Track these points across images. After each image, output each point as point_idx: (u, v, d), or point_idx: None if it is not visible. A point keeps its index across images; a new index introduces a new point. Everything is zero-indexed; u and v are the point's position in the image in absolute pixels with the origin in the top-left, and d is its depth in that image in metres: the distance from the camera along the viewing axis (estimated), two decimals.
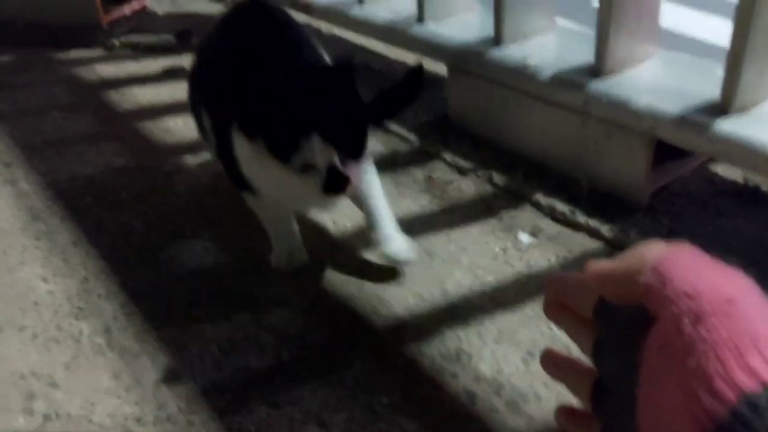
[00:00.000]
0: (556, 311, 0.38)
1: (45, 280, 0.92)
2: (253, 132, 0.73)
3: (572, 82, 0.96)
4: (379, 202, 0.88)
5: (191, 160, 1.19)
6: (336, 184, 0.71)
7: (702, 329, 0.27)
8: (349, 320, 0.83)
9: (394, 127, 1.24)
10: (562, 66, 0.99)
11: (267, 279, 0.90)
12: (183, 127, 1.30)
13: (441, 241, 0.95)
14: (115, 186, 1.11)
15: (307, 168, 0.71)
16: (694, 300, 0.28)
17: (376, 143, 1.19)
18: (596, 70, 0.94)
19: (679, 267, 0.30)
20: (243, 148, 0.77)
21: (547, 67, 1.00)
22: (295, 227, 0.93)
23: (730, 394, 0.25)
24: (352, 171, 0.72)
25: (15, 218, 1.04)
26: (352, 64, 0.73)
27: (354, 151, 0.73)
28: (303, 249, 0.92)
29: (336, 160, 0.70)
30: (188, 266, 0.93)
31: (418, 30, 1.20)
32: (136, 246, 0.97)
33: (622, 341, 0.31)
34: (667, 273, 0.29)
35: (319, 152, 0.70)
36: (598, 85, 0.93)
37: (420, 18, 1.20)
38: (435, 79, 1.41)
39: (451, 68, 1.17)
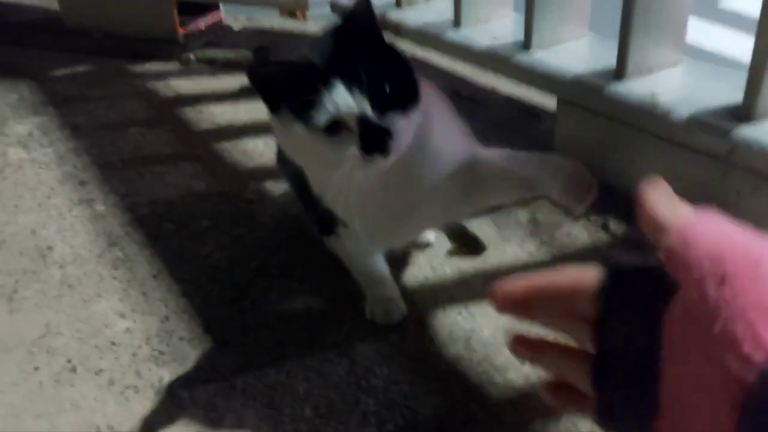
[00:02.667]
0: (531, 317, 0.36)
1: (123, 316, 0.85)
2: (275, 101, 0.61)
3: (714, 126, 0.85)
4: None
5: (273, 187, 1.11)
6: (373, 139, 0.57)
7: (727, 291, 0.25)
8: (461, 388, 0.73)
9: None
10: (699, 106, 0.88)
11: (365, 331, 0.81)
12: (263, 150, 1.23)
13: None
14: (196, 213, 1.05)
15: (337, 129, 0.58)
16: (719, 262, 0.26)
17: None
18: (744, 113, 0.83)
19: (703, 231, 0.28)
20: (277, 130, 0.65)
21: (681, 106, 0.90)
22: (388, 274, 0.83)
23: (759, 356, 0.23)
24: (394, 122, 0.58)
25: (92, 244, 0.98)
26: (367, 2, 0.60)
27: (392, 99, 0.58)
28: (400, 299, 0.83)
29: (368, 109, 0.57)
30: (276, 310, 0.85)
31: (524, 58, 1.10)
32: (219, 283, 0.90)
33: (636, 313, 0.29)
34: (691, 237, 0.28)
35: (344, 102, 0.57)
36: (748, 131, 0.82)
37: (526, 45, 1.11)
38: (533, 111, 1.32)
39: (562, 101, 1.07)
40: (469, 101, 1.37)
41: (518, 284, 0.37)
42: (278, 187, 1.10)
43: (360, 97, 0.57)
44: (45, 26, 1.88)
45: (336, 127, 0.58)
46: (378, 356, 0.77)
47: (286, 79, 0.60)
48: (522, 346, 0.37)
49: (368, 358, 0.77)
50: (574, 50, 1.10)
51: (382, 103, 0.58)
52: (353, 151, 0.58)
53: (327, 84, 0.57)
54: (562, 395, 0.36)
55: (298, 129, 0.60)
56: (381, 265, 0.83)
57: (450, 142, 0.70)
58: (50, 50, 1.74)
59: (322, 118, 0.57)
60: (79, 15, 1.82)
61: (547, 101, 1.31)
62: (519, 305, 0.36)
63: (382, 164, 0.59)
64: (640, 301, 0.30)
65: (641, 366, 0.28)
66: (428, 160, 0.66)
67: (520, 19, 1.25)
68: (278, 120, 0.63)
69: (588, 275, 0.34)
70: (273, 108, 0.63)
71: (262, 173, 1.15)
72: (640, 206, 0.34)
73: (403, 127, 0.59)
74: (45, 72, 1.61)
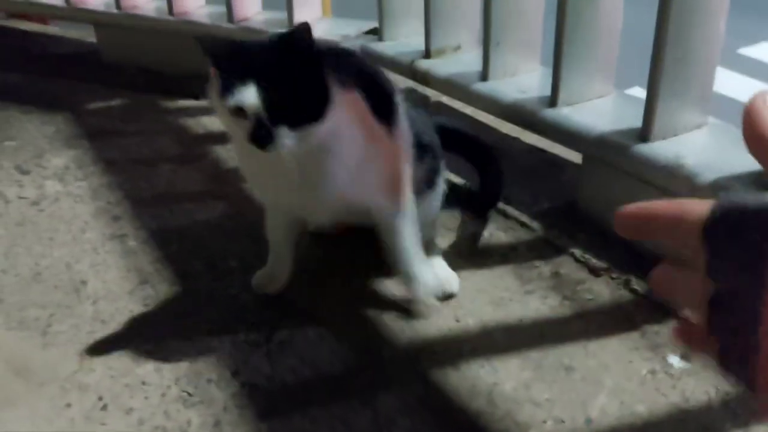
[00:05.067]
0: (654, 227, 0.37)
1: (152, 354, 0.87)
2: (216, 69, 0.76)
3: (739, 191, 0.86)
4: (403, 242, 0.89)
5: None
6: (259, 136, 0.72)
7: None
8: None
9: (513, 212, 1.16)
10: (724, 170, 0.90)
11: (389, 380, 0.82)
12: None
13: (578, 354, 0.86)
14: (225, 252, 1.07)
15: (240, 114, 0.72)
16: None
17: (495, 229, 1.11)
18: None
19: None
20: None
21: (706, 170, 0.91)
22: (288, 251, 0.95)
23: None
24: (281, 133, 0.72)
25: (123, 280, 1.01)
26: (308, 30, 0.73)
27: (291, 115, 0.72)
28: (284, 276, 0.96)
29: (263, 114, 0.71)
30: (302, 355, 0.87)
31: (550, 114, 1.13)
32: (247, 325, 0.92)
33: (743, 256, 0.30)
34: None
35: (250, 99, 0.70)
36: None
37: (553, 101, 1.14)
38: (556, 161, 1.34)
39: (587, 157, 1.09)
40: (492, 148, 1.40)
41: (636, 206, 0.38)
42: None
43: (264, 100, 0.71)
44: (82, 59, 1.94)
45: (241, 112, 0.72)
46: (401, 407, 0.79)
47: (223, 57, 0.74)
48: (660, 278, 0.37)
49: (391, 408, 0.78)
50: (600, 108, 1.13)
51: (279, 114, 0.71)
52: (244, 134, 0.73)
53: (245, 78, 0.71)
54: (690, 337, 0.36)
55: (219, 101, 0.74)
56: (279, 235, 0.94)
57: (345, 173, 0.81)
58: (86, 82, 1.80)
59: (231, 101, 0.71)
60: (116, 49, 1.88)
61: (570, 152, 1.33)
62: (636, 227, 0.38)
63: (261, 153, 0.73)
64: (746, 240, 0.30)
65: (746, 307, 0.29)
66: (320, 170, 0.80)
67: (547, 73, 1.28)
68: (211, 85, 0.76)
69: (697, 208, 0.34)
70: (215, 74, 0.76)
71: None
72: (749, 122, 0.33)
73: (286, 140, 0.72)
74: (81, 104, 1.66)
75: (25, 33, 2.25)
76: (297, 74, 0.73)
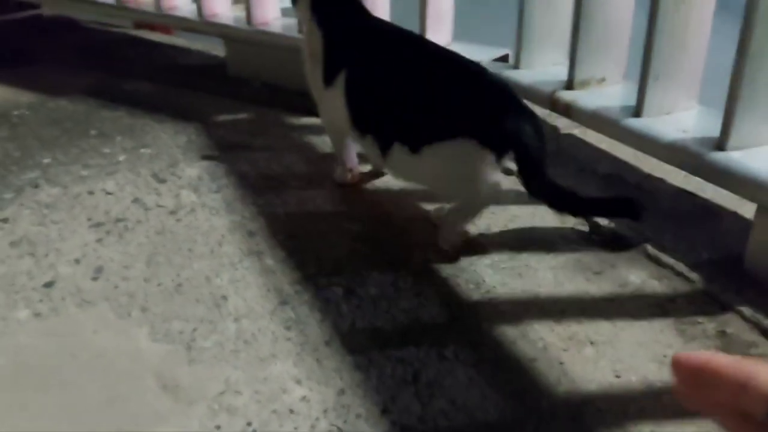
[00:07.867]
0: (697, 394, 0.36)
1: (299, 382, 0.84)
2: None
3: None
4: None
5: (436, 258, 1.09)
6: None
7: None
8: None
9: (667, 259, 1.08)
10: None
11: None
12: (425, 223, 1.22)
13: None
14: (363, 278, 1.04)
15: None
16: None
17: (647, 276, 1.04)
18: None
19: None
20: None
21: None
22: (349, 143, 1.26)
23: None
24: None
25: (263, 299, 0.99)
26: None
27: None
28: (356, 169, 1.29)
29: None
30: (452, 397, 0.82)
31: (719, 158, 1.04)
32: (392, 360, 0.88)
33: None
34: None
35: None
36: None
37: (721, 144, 1.05)
38: (710, 208, 1.25)
39: (762, 208, 1.00)
40: (636, 189, 1.32)
41: (699, 354, 0.37)
42: (442, 261, 1.08)
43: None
44: (208, 71, 1.99)
45: None
46: None
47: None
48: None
49: None
50: None
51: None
52: None
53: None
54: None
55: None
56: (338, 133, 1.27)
57: None
58: (213, 95, 1.84)
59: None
60: (243, 64, 1.91)
61: (724, 199, 1.24)
62: (692, 376, 0.36)
63: None
64: None
65: None
66: None
67: (707, 112, 1.20)
68: None
69: (765, 374, 0.33)
70: None
71: (428, 246, 1.13)
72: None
73: None
74: (210, 116, 1.68)
75: (152, 43, 2.34)
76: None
